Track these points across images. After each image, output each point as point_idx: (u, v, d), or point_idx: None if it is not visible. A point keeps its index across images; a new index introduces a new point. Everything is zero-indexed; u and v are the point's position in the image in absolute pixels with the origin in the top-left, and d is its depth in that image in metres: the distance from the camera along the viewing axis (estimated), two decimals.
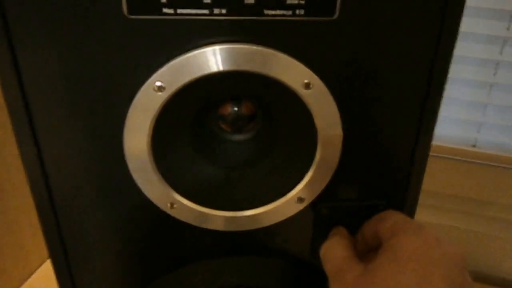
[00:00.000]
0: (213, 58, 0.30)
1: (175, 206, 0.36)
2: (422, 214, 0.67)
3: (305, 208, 0.37)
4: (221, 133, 0.36)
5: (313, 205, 0.37)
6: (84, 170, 0.35)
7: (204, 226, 0.36)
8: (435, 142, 0.66)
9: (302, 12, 0.29)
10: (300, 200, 0.36)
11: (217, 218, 0.36)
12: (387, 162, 0.36)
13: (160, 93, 0.31)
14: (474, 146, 0.67)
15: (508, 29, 0.60)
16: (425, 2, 0.30)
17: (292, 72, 0.31)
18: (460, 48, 0.62)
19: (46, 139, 0.33)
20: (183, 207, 0.36)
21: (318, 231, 0.38)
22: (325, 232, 0.38)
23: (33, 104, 0.32)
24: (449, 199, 0.68)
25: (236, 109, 0.36)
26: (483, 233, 0.69)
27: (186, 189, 0.35)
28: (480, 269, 0.71)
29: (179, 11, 0.28)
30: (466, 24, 0.61)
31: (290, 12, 0.29)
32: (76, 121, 0.32)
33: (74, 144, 0.33)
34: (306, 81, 0.31)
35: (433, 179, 0.66)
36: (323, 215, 0.37)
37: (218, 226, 0.37)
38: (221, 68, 0.30)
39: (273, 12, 0.29)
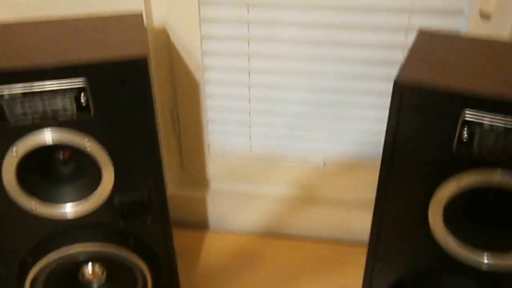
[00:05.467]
0: (38, 137, 0.60)
1: (35, 206, 0.66)
2: None
3: (105, 201, 0.68)
4: (57, 166, 0.67)
5: (111, 199, 0.68)
6: None
7: (50, 217, 0.67)
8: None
9: (71, 113, 0.60)
10: (100, 195, 0.67)
11: (56, 210, 0.67)
12: (139, 171, 0.67)
13: (15, 155, 0.60)
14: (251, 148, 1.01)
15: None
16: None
17: (78, 139, 0.61)
18: None
19: None
20: (40, 206, 0.66)
21: (122, 217, 0.69)
22: (128, 217, 0.69)
23: None
24: None
25: (61, 156, 0.66)
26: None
27: (41, 195, 0.66)
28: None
29: None
30: None
31: (68, 113, 0.59)
32: None
33: None
34: (87, 141, 0.62)
35: None
36: (118, 205, 0.68)
37: (58, 216, 0.67)
38: (44, 141, 0.60)
39: (61, 115, 0.59)
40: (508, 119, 0.48)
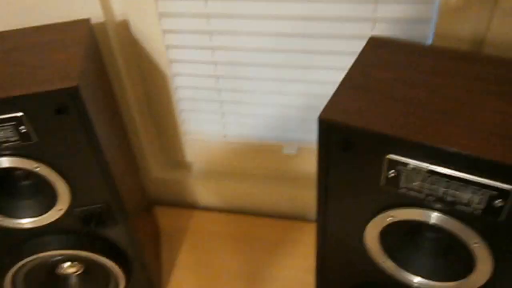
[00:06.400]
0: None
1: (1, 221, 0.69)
2: None
3: (65, 213, 0.70)
4: (16, 184, 0.69)
5: (71, 211, 0.70)
6: None
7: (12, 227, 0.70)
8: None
9: (14, 141, 0.60)
10: (60, 210, 0.69)
11: (19, 223, 0.70)
12: (94, 185, 0.69)
13: None
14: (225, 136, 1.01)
15: None
16: None
17: (26, 163, 0.62)
18: None
19: None
20: (3, 220, 0.69)
21: (85, 225, 0.72)
22: (90, 225, 0.71)
23: None
24: None
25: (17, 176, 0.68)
26: None
27: (4, 210, 0.69)
28: None
29: None
30: None
31: (11, 141, 0.60)
32: None
33: None
34: (35, 165, 0.63)
35: None
36: (78, 216, 0.71)
37: (21, 228, 0.70)
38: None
39: (6, 143, 0.60)
40: (431, 163, 0.46)
